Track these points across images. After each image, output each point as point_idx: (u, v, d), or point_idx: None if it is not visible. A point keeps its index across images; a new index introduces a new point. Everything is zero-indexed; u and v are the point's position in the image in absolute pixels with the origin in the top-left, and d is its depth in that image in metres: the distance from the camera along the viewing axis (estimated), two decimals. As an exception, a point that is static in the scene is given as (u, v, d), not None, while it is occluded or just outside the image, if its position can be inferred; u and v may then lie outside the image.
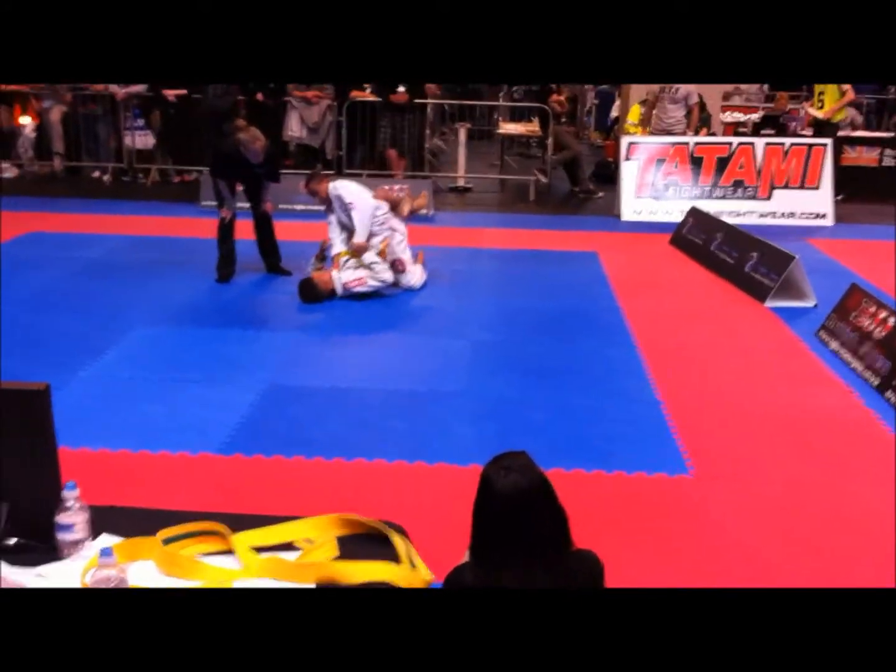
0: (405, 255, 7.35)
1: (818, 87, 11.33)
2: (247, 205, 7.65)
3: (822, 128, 11.18)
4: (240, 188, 7.58)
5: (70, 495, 2.25)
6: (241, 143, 7.10)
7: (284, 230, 8.01)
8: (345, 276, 7.00)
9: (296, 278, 7.41)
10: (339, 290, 6.99)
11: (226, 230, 7.44)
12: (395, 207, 7.41)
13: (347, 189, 7.20)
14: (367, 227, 7.11)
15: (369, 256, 7.06)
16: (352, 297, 7.00)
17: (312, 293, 6.92)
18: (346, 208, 7.14)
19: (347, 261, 7.08)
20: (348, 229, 7.21)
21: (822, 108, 11.19)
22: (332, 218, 7.30)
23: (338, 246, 7.23)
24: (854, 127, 12.72)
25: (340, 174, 11.29)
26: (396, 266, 7.23)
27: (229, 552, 2.28)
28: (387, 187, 7.95)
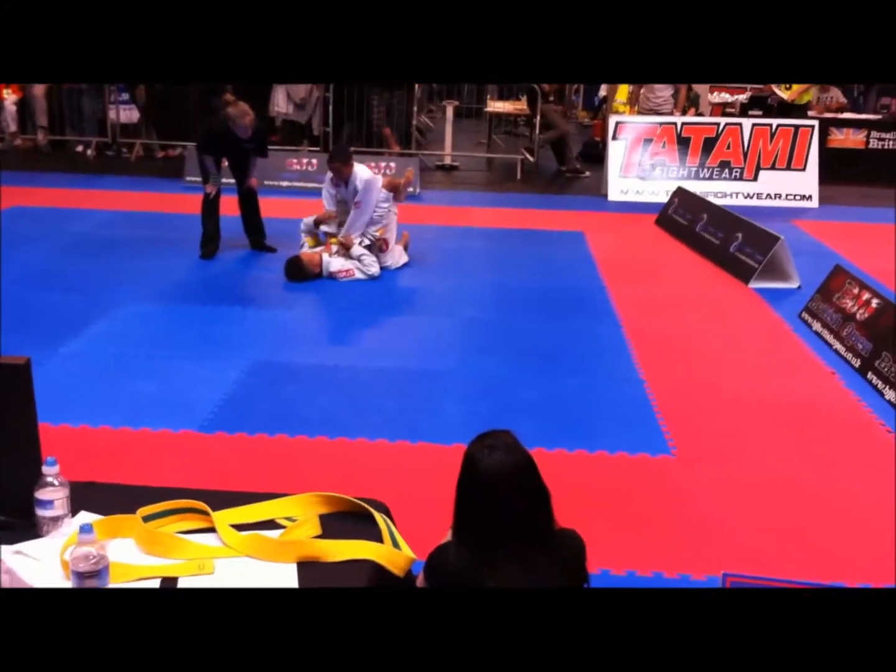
0: (391, 234, 7.32)
1: None
2: (232, 181, 7.61)
3: (789, 110, 11.17)
4: (225, 164, 7.52)
5: (50, 471, 2.23)
6: (229, 118, 7.05)
7: (269, 207, 7.98)
8: (334, 265, 6.97)
9: (281, 255, 7.38)
10: (324, 272, 6.96)
11: (210, 206, 7.40)
12: (395, 194, 7.36)
13: (366, 182, 7.06)
14: (360, 227, 7.07)
15: (357, 249, 7.02)
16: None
17: (299, 272, 6.88)
18: (353, 199, 7.08)
19: (337, 250, 7.04)
20: (347, 211, 7.17)
21: (789, 89, 11.19)
22: (333, 193, 7.21)
23: (333, 227, 7.18)
24: (840, 108, 12.72)
25: (327, 150, 11.25)
26: (381, 246, 7.20)
27: (210, 530, 2.27)
28: (383, 172, 7.84)
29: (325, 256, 7.01)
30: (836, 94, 13.00)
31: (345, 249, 7.02)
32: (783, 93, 11.33)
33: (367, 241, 7.08)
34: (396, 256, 7.36)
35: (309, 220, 7.27)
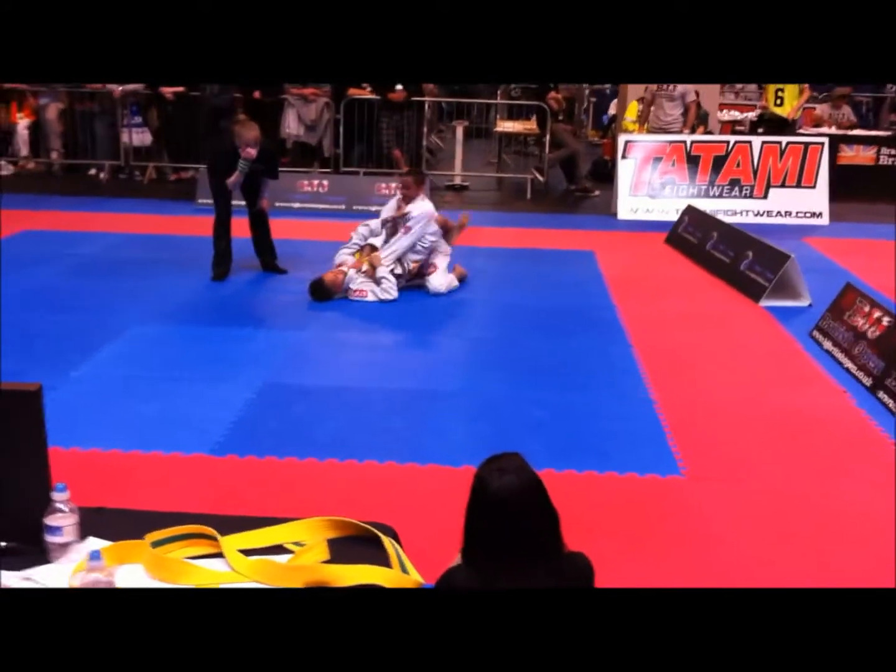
0: (438, 259, 7.34)
1: (773, 85, 11.28)
2: (242, 202, 7.64)
3: (781, 126, 11.12)
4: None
5: (59, 497, 2.25)
6: (235, 135, 7.11)
7: (281, 228, 8.01)
8: (354, 282, 6.98)
9: (292, 276, 7.43)
10: (343, 288, 6.97)
11: (222, 227, 7.44)
12: (445, 233, 7.45)
13: (423, 212, 7.21)
14: (400, 252, 7.12)
15: (382, 271, 7.03)
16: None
17: (323, 293, 6.91)
18: (404, 223, 7.17)
19: (361, 270, 7.06)
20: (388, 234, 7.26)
21: (780, 105, 11.15)
22: (388, 218, 7.33)
23: (380, 242, 7.23)
24: (850, 126, 12.71)
25: (338, 172, 11.32)
26: (428, 268, 7.26)
27: (219, 555, 2.28)
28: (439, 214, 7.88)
29: (351, 272, 7.01)
30: (846, 112, 12.99)
31: (371, 269, 7.03)
32: (779, 110, 11.29)
33: (398, 270, 7.11)
34: (444, 281, 7.29)
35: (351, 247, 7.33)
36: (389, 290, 6.99)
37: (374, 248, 7.19)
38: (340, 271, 7.07)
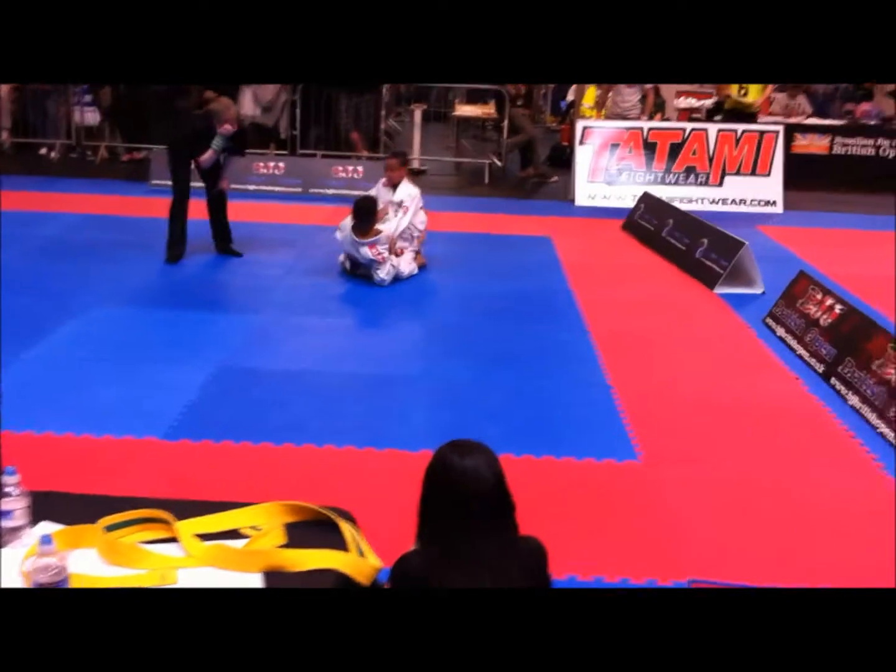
0: (409, 244, 7.35)
1: None
2: (200, 184, 7.53)
3: (741, 115, 11.20)
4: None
5: (9, 481, 2.21)
6: (213, 114, 6.98)
7: (236, 210, 7.92)
8: (382, 241, 6.95)
9: (247, 259, 7.39)
10: (367, 243, 6.88)
11: (179, 208, 7.31)
12: None
13: (414, 195, 7.32)
14: (400, 231, 7.17)
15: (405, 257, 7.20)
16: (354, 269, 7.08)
17: (369, 211, 6.90)
18: (401, 206, 7.24)
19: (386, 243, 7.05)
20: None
21: (745, 95, 11.23)
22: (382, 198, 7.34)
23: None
24: (805, 115, 12.86)
25: (294, 154, 11.22)
26: (396, 251, 7.24)
27: (173, 540, 2.26)
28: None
29: (383, 236, 6.97)
30: (802, 102, 13.13)
31: (395, 252, 7.10)
32: (744, 100, 11.36)
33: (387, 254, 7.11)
34: (409, 267, 7.28)
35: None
36: (389, 272, 7.00)
37: None
38: (385, 210, 7.14)
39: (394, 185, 7.34)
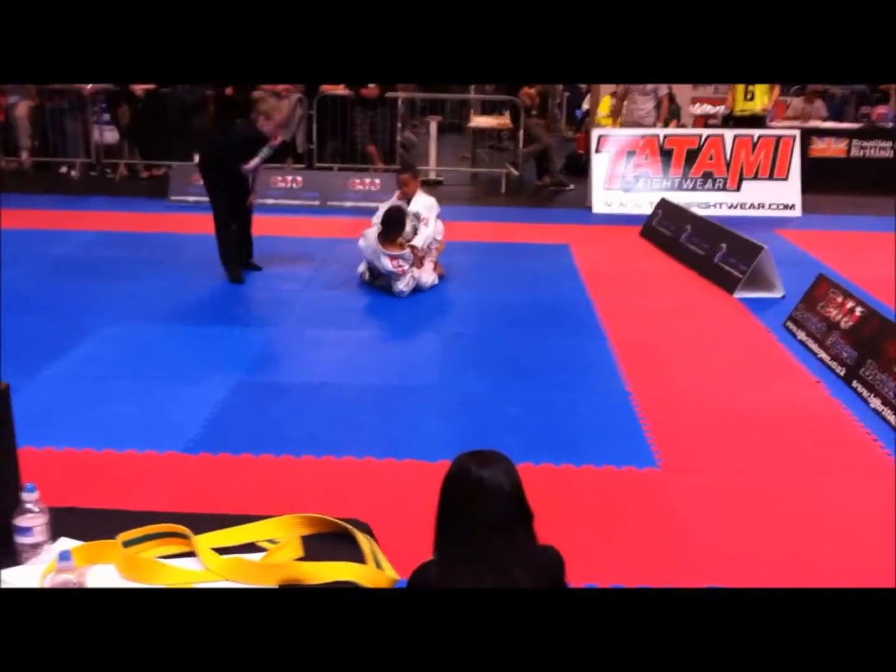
0: (431, 255, 7.34)
1: None
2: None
3: (753, 122, 11.12)
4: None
5: (29, 498, 2.22)
6: (264, 114, 7.01)
7: (255, 224, 7.93)
8: (406, 257, 6.95)
9: (265, 273, 7.40)
10: (402, 252, 6.91)
11: (227, 227, 7.23)
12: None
13: (429, 205, 7.31)
14: (427, 240, 7.17)
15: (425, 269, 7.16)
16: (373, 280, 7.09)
17: (399, 221, 6.91)
18: (418, 219, 7.22)
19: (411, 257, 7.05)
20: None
21: (751, 99, 11.14)
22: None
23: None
24: (822, 119, 12.81)
25: (311, 168, 11.27)
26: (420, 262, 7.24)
27: (191, 554, 2.26)
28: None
29: (407, 252, 6.96)
30: (819, 106, 13.09)
31: (418, 264, 7.08)
32: (751, 106, 11.28)
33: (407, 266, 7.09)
34: (431, 278, 7.28)
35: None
36: (408, 284, 7.00)
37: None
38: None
39: (408, 199, 7.34)
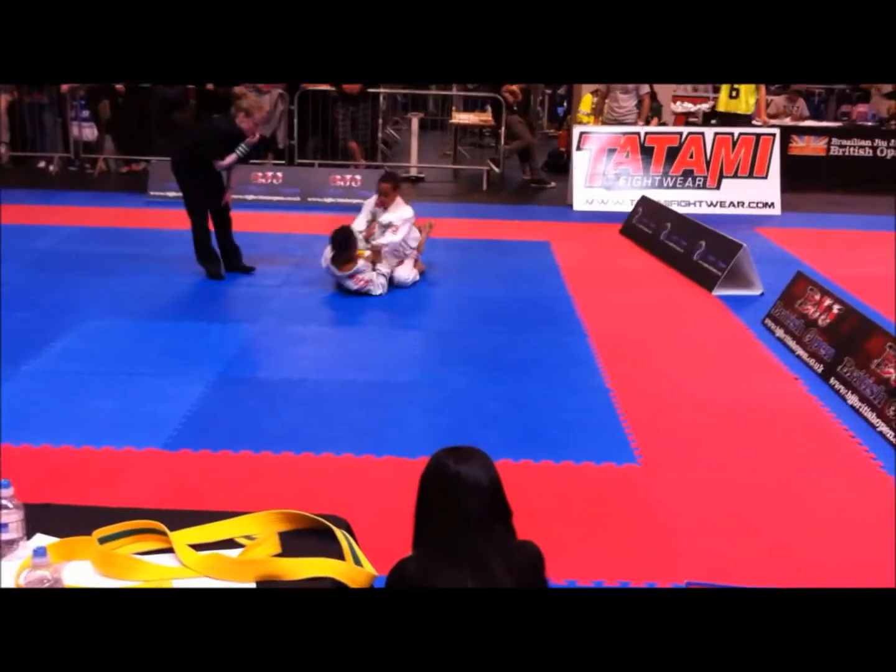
0: (409, 252, 7.28)
1: None
2: (179, 194, 7.43)
3: (738, 121, 11.13)
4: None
5: (4, 494, 2.20)
6: (244, 111, 6.89)
7: (235, 221, 7.89)
8: (362, 273, 6.89)
9: (256, 272, 7.34)
10: (353, 270, 6.85)
11: (202, 224, 7.17)
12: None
13: (406, 218, 7.17)
14: (391, 247, 7.07)
15: (383, 267, 7.04)
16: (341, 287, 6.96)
17: (346, 242, 6.79)
18: (389, 227, 7.09)
19: (368, 256, 6.98)
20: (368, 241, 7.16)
21: (735, 97, 11.15)
22: (373, 213, 7.23)
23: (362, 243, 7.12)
24: (803, 118, 12.87)
25: (292, 164, 11.23)
26: (400, 260, 7.19)
27: (168, 550, 2.25)
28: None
29: (361, 263, 6.89)
30: (801, 105, 13.15)
31: (373, 259, 6.99)
32: (737, 106, 11.29)
33: (384, 269, 7.03)
34: (411, 275, 7.25)
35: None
36: (383, 285, 6.96)
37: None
38: (371, 231, 7.01)
39: (386, 207, 7.19)
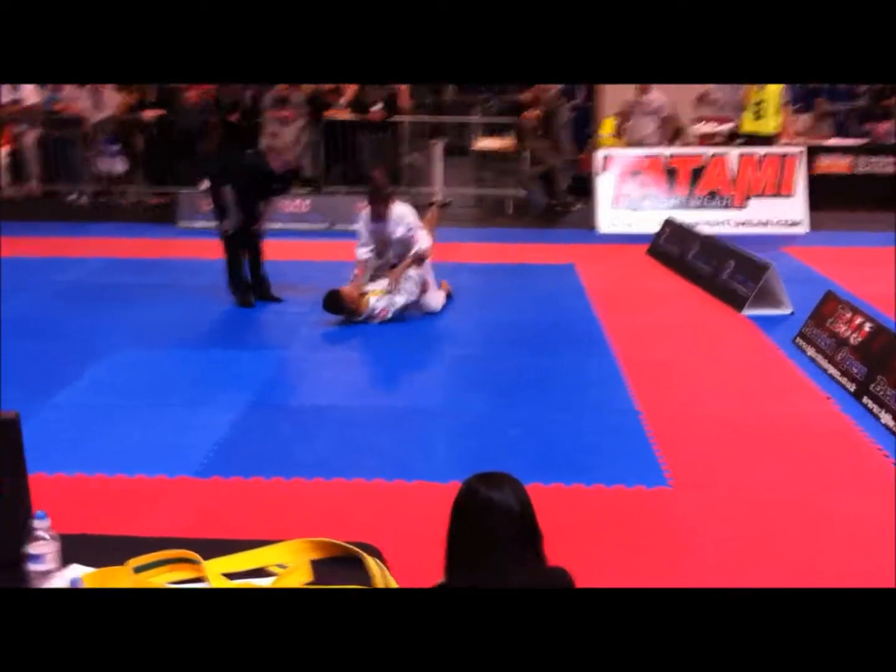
0: (429, 276, 7.23)
1: (754, 97, 10.99)
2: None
3: (757, 140, 11.06)
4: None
5: (40, 525, 2.22)
6: (273, 150, 7.00)
7: (265, 249, 7.97)
8: (376, 305, 6.89)
9: (284, 300, 7.37)
10: (366, 313, 6.86)
11: (235, 252, 7.24)
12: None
13: (410, 221, 7.07)
14: (426, 244, 7.02)
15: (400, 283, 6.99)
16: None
17: (337, 305, 6.80)
18: (409, 230, 6.99)
19: (380, 298, 6.94)
20: (383, 256, 7.11)
21: (760, 118, 11.07)
22: (371, 229, 7.12)
23: (372, 285, 7.05)
24: (826, 136, 12.81)
25: (319, 192, 11.32)
26: (423, 287, 7.12)
27: (202, 580, 2.26)
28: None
29: (373, 300, 6.89)
30: (826, 125, 13.10)
31: (395, 283, 6.95)
32: (763, 127, 11.23)
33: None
34: (439, 299, 7.26)
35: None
36: (410, 290, 6.93)
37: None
38: (356, 286, 6.94)
39: (383, 217, 7.01)
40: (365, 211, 7.14)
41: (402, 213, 7.05)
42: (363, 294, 6.91)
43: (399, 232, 6.99)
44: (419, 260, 6.97)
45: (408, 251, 7.01)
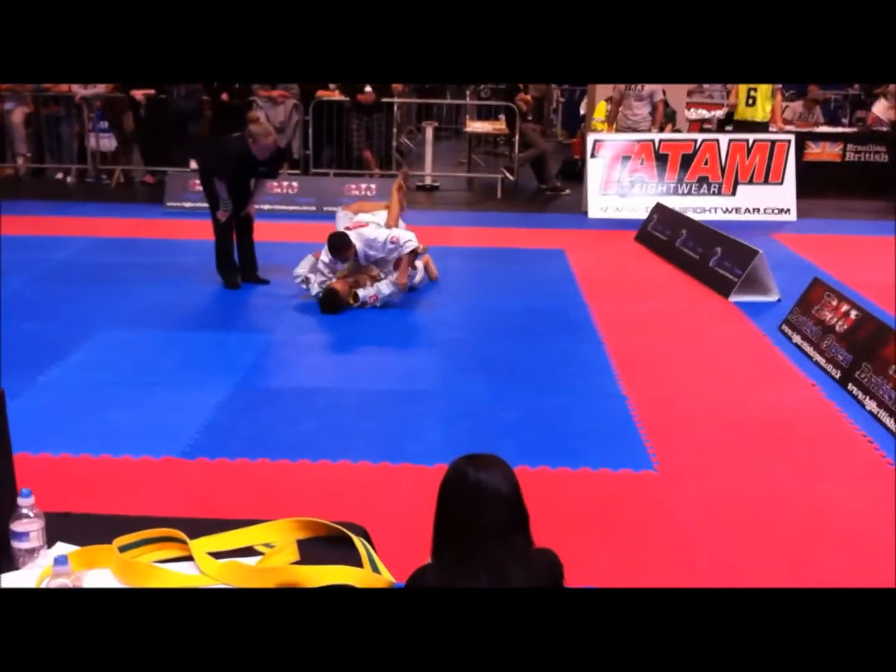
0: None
1: (744, 85, 10.95)
2: (206, 205, 7.48)
3: (755, 128, 11.06)
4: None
5: (25, 503, 2.22)
6: (251, 136, 6.92)
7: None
8: (365, 293, 6.85)
9: (271, 282, 7.35)
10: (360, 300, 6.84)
11: (226, 234, 7.21)
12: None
13: (373, 232, 6.94)
14: (411, 246, 6.85)
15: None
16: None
17: (335, 306, 6.72)
18: (391, 244, 6.80)
19: (367, 288, 6.88)
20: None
21: (752, 105, 11.07)
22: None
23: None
24: (817, 124, 12.83)
25: (307, 173, 11.28)
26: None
27: (188, 558, 2.26)
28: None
29: (361, 292, 6.86)
30: (817, 113, 13.11)
31: (373, 279, 6.96)
32: (754, 113, 11.22)
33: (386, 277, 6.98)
34: (418, 276, 7.26)
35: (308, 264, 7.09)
36: (388, 284, 6.88)
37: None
38: (346, 282, 6.89)
39: (346, 259, 6.87)
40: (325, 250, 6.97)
41: (370, 240, 6.86)
42: (353, 287, 6.91)
43: (377, 256, 6.91)
44: (414, 254, 6.96)
45: (395, 252, 6.91)
